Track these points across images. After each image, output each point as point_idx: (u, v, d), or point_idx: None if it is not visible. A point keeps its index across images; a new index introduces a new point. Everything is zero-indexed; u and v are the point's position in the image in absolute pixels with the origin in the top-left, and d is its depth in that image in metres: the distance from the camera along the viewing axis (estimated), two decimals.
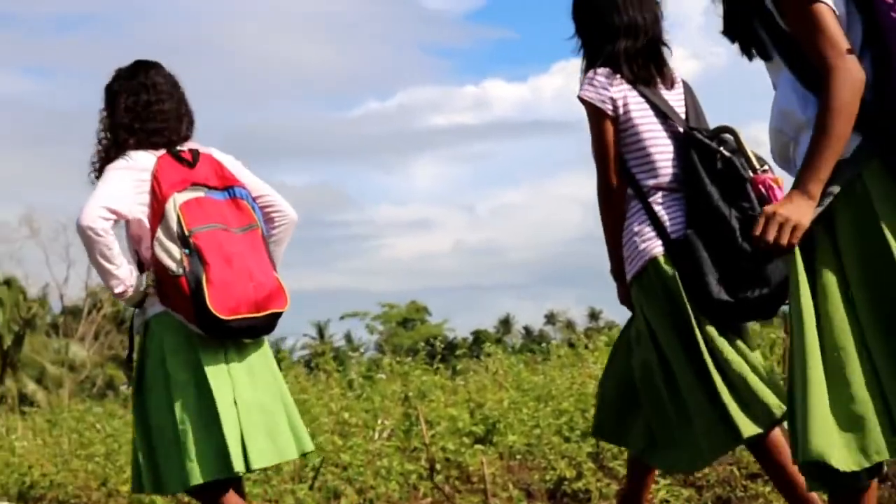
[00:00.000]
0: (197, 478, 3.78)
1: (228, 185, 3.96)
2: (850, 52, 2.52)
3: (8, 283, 40.54)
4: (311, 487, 6.58)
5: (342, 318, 54.36)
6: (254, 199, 4.02)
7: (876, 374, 2.53)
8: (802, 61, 2.60)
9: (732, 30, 2.75)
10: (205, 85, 73.71)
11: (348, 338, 47.69)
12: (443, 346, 10.38)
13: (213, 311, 3.72)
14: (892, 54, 2.52)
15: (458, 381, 8.78)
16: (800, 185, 2.55)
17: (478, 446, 6.65)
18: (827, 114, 2.49)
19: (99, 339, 47.17)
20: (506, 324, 59.07)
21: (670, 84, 3.74)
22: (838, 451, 2.49)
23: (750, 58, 2.77)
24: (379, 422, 7.42)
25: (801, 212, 2.52)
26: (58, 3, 74.20)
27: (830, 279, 2.57)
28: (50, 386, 36.77)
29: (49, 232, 47.32)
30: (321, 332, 49.94)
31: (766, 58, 2.74)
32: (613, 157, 3.62)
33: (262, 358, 4.01)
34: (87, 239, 3.81)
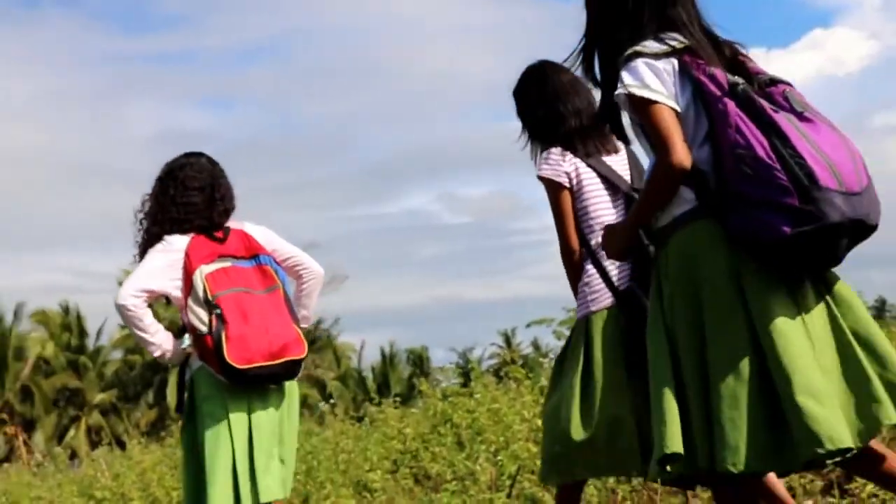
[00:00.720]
0: None
1: (254, 254, 4.63)
2: (677, 148, 3.03)
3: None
4: (508, 496, 6.59)
5: (528, 325, 54.29)
6: (283, 261, 4.74)
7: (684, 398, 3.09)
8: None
9: (604, 117, 3.37)
10: (376, 105, 74.97)
11: (535, 345, 47.64)
12: None
13: (230, 362, 4.35)
14: (721, 140, 3.01)
15: None
16: (625, 219, 3.48)
17: None
18: (646, 190, 3.17)
19: None
20: None
21: (614, 152, 4.23)
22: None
23: (623, 141, 3.50)
24: None
25: (618, 233, 3.34)
26: (232, 37, 76.39)
27: (657, 324, 3.19)
28: None
29: None
30: (508, 340, 50.04)
31: (626, 142, 3.51)
32: (571, 222, 4.16)
33: (283, 403, 4.65)
34: (123, 314, 4.54)
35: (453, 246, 78.01)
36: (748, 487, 3.26)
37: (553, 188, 4.16)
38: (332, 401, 12.24)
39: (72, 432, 41.76)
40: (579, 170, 4.15)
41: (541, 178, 4.17)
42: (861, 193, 2.95)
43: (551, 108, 4.26)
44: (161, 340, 4.61)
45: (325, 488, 8.36)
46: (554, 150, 4.18)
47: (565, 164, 4.15)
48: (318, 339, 50.64)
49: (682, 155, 3.03)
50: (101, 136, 65.48)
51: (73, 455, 31.76)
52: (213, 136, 73.98)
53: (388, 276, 71.81)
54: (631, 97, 3.12)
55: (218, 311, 4.41)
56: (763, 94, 3.06)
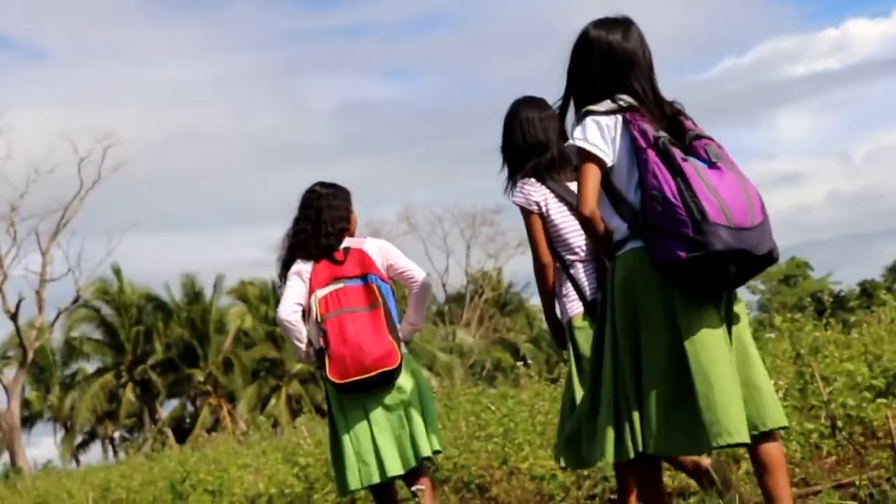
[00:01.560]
0: (349, 487, 5.47)
1: (365, 273, 5.37)
2: (586, 200, 3.89)
3: None
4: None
5: None
6: (398, 273, 5.52)
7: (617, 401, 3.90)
8: (607, 188, 3.95)
9: (568, 158, 4.42)
10: (556, 66, 74.46)
11: None
12: (831, 299, 9.97)
13: (330, 377, 5.27)
14: (644, 183, 3.79)
15: (853, 335, 8.38)
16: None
17: (880, 400, 6.34)
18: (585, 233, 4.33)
19: (483, 323, 48.58)
20: (894, 271, 56.17)
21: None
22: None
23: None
24: (772, 382, 7.19)
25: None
26: (409, 8, 76.95)
27: (607, 328, 3.97)
28: (441, 372, 38.17)
29: (426, 225, 49.11)
30: None
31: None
32: (541, 242, 4.85)
33: (390, 396, 5.41)
34: (284, 326, 5.46)
35: None
36: (655, 467, 4.06)
37: (525, 214, 4.91)
38: (524, 362, 12.19)
39: (272, 401, 43.01)
40: (548, 198, 4.89)
41: (515, 204, 4.92)
42: (751, 229, 3.70)
43: (525, 141, 5.03)
44: (306, 348, 5.47)
45: (522, 450, 8.36)
46: (528, 180, 4.92)
47: (535, 194, 4.89)
48: (510, 303, 50.87)
49: (587, 206, 3.91)
50: (286, 113, 67.29)
51: (275, 424, 32.71)
52: (396, 106, 75.06)
53: None
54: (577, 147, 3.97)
55: (324, 333, 5.29)
56: (688, 146, 3.85)
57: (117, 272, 44.62)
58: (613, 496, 6.71)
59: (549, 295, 4.97)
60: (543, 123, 5.02)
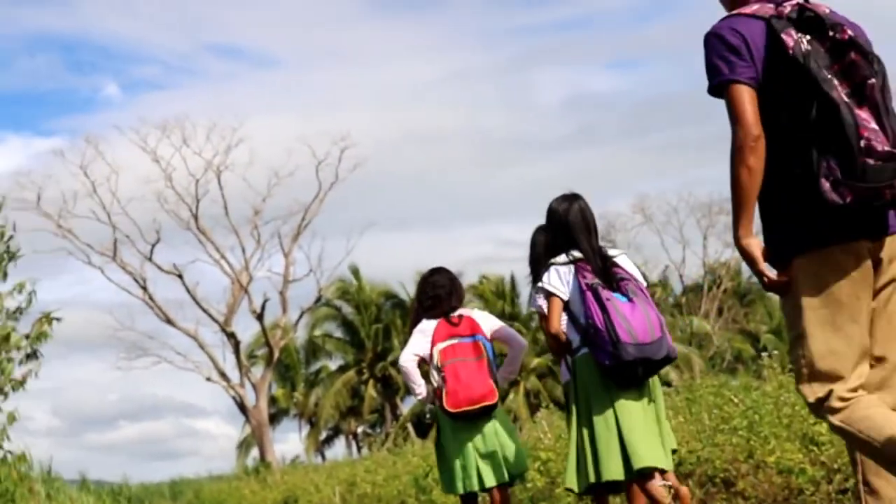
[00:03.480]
0: (456, 490, 7.00)
1: (474, 334, 6.95)
2: (552, 325, 6.02)
3: None
4: None
5: None
6: (498, 336, 7.06)
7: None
8: (568, 314, 6.08)
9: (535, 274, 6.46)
10: None
11: None
12: None
13: (447, 408, 6.80)
14: (586, 316, 5.82)
15: None
16: None
17: None
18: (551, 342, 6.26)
19: (722, 314, 47.65)
20: None
21: None
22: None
23: None
24: None
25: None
26: None
27: (572, 399, 6.14)
28: (680, 364, 37.59)
29: (661, 216, 48.48)
30: None
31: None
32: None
33: (489, 426, 6.90)
34: (404, 370, 7.00)
35: None
36: (606, 490, 6.16)
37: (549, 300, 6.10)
38: (768, 353, 11.84)
39: (511, 396, 43.23)
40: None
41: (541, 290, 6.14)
42: (651, 343, 5.69)
43: (539, 260, 6.39)
44: (422, 389, 7.06)
45: (769, 443, 8.12)
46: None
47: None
48: (749, 293, 49.71)
49: (553, 327, 6.00)
50: (514, 108, 67.25)
51: (514, 418, 32.86)
52: (622, 97, 74.04)
53: None
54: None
55: (443, 374, 6.83)
56: (615, 285, 5.86)
57: (355, 272, 45.73)
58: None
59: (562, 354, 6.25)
60: (547, 246, 6.42)
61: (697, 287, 48.53)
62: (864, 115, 3.52)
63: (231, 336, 41.69)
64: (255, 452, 43.89)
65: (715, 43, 3.78)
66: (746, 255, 3.76)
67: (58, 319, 12.82)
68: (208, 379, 41.94)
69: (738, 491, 8.00)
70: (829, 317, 3.70)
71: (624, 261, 6.10)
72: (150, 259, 41.39)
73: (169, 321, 41.70)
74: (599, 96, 74.25)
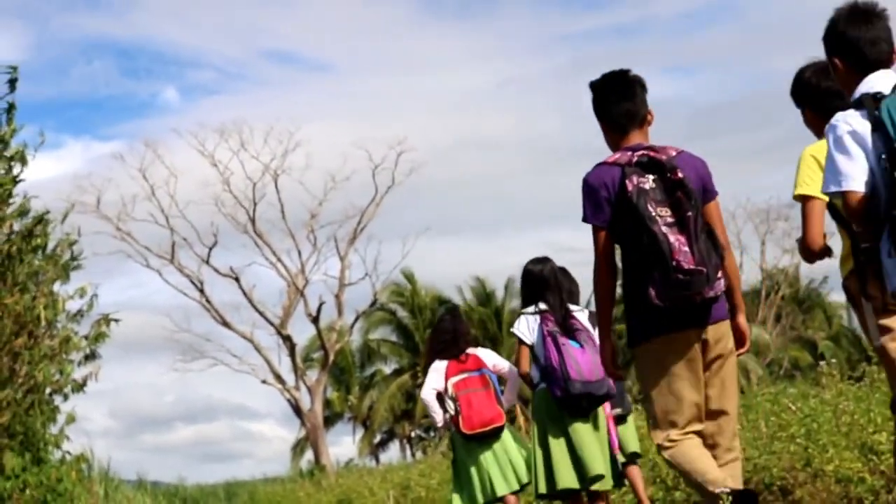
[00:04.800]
0: (477, 501, 8.32)
1: (479, 368, 8.34)
2: (521, 367, 7.54)
3: None
4: None
5: None
6: (497, 370, 8.37)
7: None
8: (532, 355, 7.49)
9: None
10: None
11: None
12: None
13: (462, 430, 8.19)
14: (544, 357, 7.22)
15: None
16: None
17: None
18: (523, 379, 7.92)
19: (780, 321, 47.24)
20: None
21: None
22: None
23: None
24: None
25: None
26: (683, 2, 75.28)
27: (537, 423, 7.54)
28: (737, 372, 37.24)
29: None
30: None
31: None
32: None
33: (499, 444, 8.29)
34: (426, 403, 8.47)
35: None
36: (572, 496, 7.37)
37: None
38: (826, 361, 11.72)
39: None
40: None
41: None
42: (594, 382, 6.99)
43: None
44: (440, 418, 8.41)
45: (827, 451, 8.04)
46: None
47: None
48: (807, 299, 49.25)
49: (522, 369, 7.45)
50: (567, 115, 66.96)
51: None
52: (679, 103, 73.51)
53: None
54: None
55: (457, 403, 8.20)
56: (571, 334, 7.18)
57: (409, 277, 45.84)
58: None
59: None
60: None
61: (755, 293, 48.14)
62: (681, 239, 4.73)
63: (287, 339, 41.95)
64: (308, 455, 44.16)
65: (584, 188, 5.06)
66: (601, 354, 5.29)
67: (116, 321, 12.94)
68: (264, 381, 42.24)
69: (796, 500, 7.93)
70: (665, 385, 4.98)
71: (581, 315, 7.41)
72: (207, 262, 41.82)
73: (225, 324, 42.05)
74: (654, 102, 73.72)
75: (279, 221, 42.41)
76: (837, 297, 50.89)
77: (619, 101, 5.20)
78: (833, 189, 4.02)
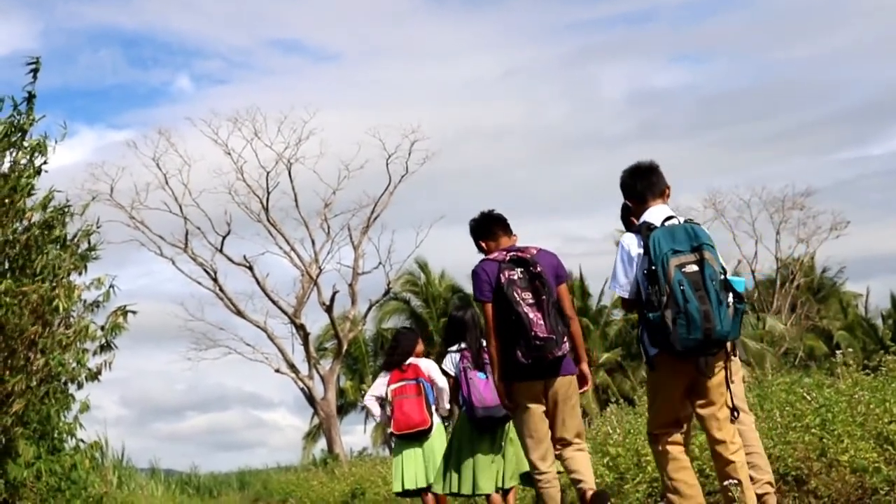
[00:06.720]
0: (404, 487, 10.06)
1: (417, 377, 9.89)
2: (442, 403, 10.15)
3: None
4: None
5: None
6: (431, 380, 9.89)
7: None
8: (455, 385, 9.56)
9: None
10: (853, 45, 70.80)
11: None
12: None
13: (394, 431, 9.95)
14: (463, 389, 9.13)
15: None
16: None
17: None
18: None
19: (795, 310, 47.09)
20: None
21: None
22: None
23: None
24: None
25: None
26: None
27: (463, 434, 9.49)
28: (752, 360, 37.18)
29: (733, 211, 47.94)
30: None
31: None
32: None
33: (427, 444, 9.95)
34: (367, 407, 10.29)
35: None
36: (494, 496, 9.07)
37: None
38: (841, 351, 11.66)
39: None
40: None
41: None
42: (494, 407, 8.55)
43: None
44: (378, 418, 10.25)
45: (842, 441, 8.00)
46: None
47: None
48: (823, 289, 49.09)
49: (451, 397, 9.51)
50: (576, 103, 66.84)
51: (584, 414, 32.69)
52: (687, 92, 73.26)
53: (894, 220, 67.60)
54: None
55: (392, 407, 9.91)
56: (481, 366, 8.92)
57: (423, 266, 45.79)
58: None
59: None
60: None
61: (770, 282, 47.97)
62: (538, 315, 6.81)
63: (300, 328, 41.94)
64: (321, 444, 44.17)
65: (473, 276, 7.15)
66: (498, 391, 7.18)
67: (133, 312, 12.94)
68: (277, 370, 42.22)
69: (811, 489, 7.90)
70: (525, 419, 7.11)
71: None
72: (220, 250, 41.75)
73: (238, 312, 42.03)
74: (663, 91, 73.53)
75: (293, 210, 42.35)
76: (853, 286, 50.78)
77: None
78: (614, 289, 6.35)
